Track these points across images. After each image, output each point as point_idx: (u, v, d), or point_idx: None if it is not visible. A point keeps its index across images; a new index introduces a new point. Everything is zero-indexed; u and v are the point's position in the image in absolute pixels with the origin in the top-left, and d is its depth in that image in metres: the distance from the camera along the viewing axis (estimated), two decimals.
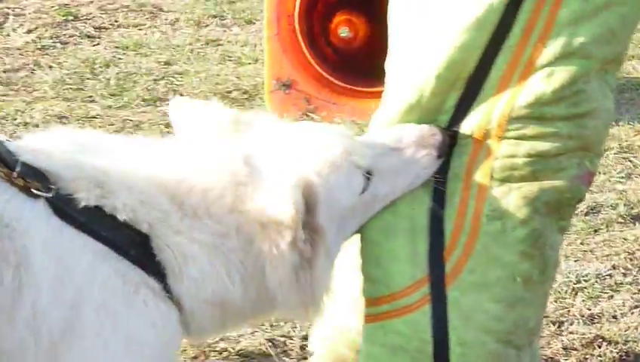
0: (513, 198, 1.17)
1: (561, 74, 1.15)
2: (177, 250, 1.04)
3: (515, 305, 1.19)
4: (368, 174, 1.12)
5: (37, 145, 1.06)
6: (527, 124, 1.16)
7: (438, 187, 1.17)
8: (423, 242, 1.18)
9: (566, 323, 1.97)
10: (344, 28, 2.39)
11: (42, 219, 1.00)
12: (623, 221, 2.45)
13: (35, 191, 0.99)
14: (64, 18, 3.76)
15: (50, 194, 0.99)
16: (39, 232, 0.99)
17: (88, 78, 3.21)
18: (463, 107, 1.17)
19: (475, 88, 1.16)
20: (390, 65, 1.25)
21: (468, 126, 1.17)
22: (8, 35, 3.64)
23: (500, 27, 1.13)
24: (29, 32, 3.60)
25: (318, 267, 1.07)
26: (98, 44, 3.60)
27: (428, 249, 1.18)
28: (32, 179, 0.99)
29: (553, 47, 1.14)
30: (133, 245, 1.02)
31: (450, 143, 1.14)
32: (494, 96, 1.16)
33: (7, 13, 3.80)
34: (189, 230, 1.04)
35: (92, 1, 3.93)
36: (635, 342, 1.92)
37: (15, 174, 0.99)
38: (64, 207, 1.00)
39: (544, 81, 1.15)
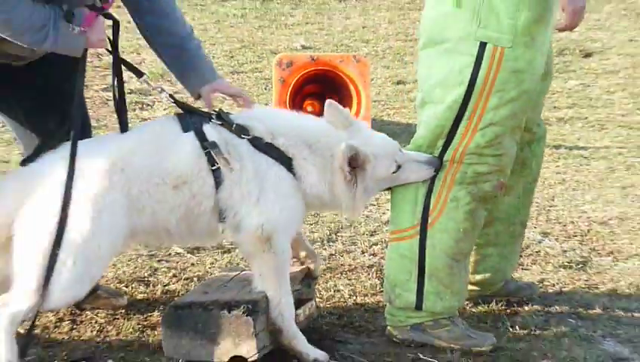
0: (463, 192, 2.34)
1: (489, 134, 2.30)
2: (304, 168, 2.15)
3: (459, 241, 2.37)
4: (398, 167, 2.25)
5: (244, 114, 2.23)
6: (474, 157, 2.32)
7: (433, 180, 2.36)
8: (420, 204, 2.34)
9: None
10: (310, 107, 4.40)
11: (246, 146, 2.09)
12: None
13: (242, 136, 2.09)
14: None
15: (249, 137, 2.09)
16: (245, 151, 2.09)
17: None
18: (445, 146, 2.33)
19: (450, 138, 2.32)
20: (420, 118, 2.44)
21: (447, 156, 2.34)
22: None
23: (461, 108, 2.28)
24: None
25: (359, 192, 2.18)
26: None
27: (422, 209, 2.33)
28: (241, 130, 2.09)
29: (485, 120, 2.29)
30: (285, 162, 2.13)
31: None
32: (459, 142, 2.32)
33: None
34: (312, 159, 2.16)
35: None
36: None
37: (233, 127, 2.09)
38: (256, 143, 2.10)
39: (481, 137, 2.29)
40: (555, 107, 4.97)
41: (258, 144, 2.10)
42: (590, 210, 3.58)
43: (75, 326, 2.44)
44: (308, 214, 2.79)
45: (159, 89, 2.19)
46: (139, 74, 2.19)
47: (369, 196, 2.31)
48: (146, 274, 2.77)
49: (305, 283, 2.45)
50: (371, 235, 3.14)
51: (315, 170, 2.18)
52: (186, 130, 2.07)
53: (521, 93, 2.29)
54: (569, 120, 4.84)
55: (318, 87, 4.11)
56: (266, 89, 4.49)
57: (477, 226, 2.42)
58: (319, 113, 3.23)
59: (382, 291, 2.54)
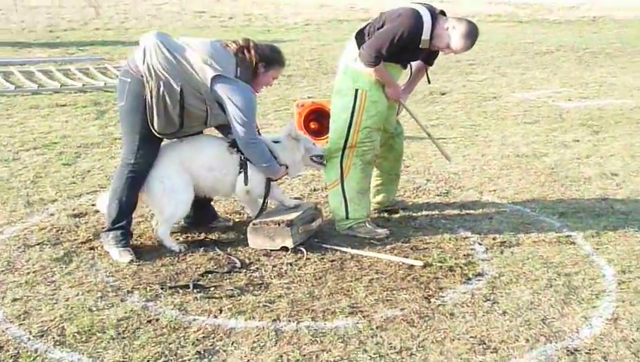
0: (358, 160, 3.99)
1: (365, 132, 3.95)
2: (281, 154, 3.89)
3: (360, 183, 4.06)
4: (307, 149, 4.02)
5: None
6: (360, 143, 3.95)
7: (342, 157, 4.15)
8: (338, 168, 4.08)
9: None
10: (312, 126, 6.15)
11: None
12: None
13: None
14: None
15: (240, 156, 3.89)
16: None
17: None
18: (346, 140, 3.95)
19: (347, 136, 3.99)
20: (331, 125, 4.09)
21: (348, 143, 3.97)
22: None
23: (349, 122, 3.97)
24: None
25: (298, 156, 3.95)
26: None
27: (339, 170, 4.08)
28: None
29: (362, 125, 3.95)
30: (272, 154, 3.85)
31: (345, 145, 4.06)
32: (352, 137, 3.95)
33: None
34: (283, 150, 3.90)
35: None
36: None
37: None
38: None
39: (362, 134, 3.96)
40: (428, 119, 7.38)
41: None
42: (448, 167, 5.51)
43: (206, 234, 4.05)
44: (314, 175, 4.94)
45: None
46: None
47: (300, 161, 3.97)
48: (238, 208, 4.48)
49: (317, 210, 4.12)
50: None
51: (284, 154, 3.87)
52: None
53: (377, 112, 3.94)
54: (436, 125, 7.11)
55: (317, 116, 6.06)
56: (291, 117, 6.68)
57: (368, 176, 4.07)
58: (317, 128, 5.95)
59: None
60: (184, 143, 3.84)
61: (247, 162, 3.74)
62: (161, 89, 3.52)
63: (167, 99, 3.54)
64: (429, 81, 4.32)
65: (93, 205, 4.52)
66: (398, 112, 4.32)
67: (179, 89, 3.52)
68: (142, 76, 3.55)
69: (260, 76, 3.76)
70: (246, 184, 3.78)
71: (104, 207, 3.91)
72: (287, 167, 3.93)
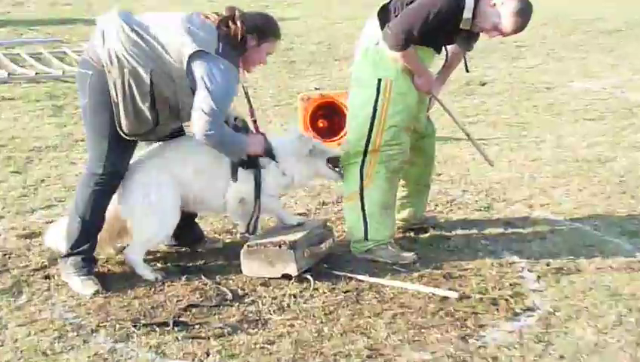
0: (382, 167, 4.10)
1: (392, 132, 4.07)
2: (283, 158, 4.08)
3: (384, 196, 4.17)
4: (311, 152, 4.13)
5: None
6: (386, 147, 4.06)
7: (362, 163, 4.20)
8: (357, 177, 4.20)
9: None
10: (321, 124, 6.49)
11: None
12: None
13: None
14: None
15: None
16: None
17: None
18: (367, 142, 4.08)
19: (369, 137, 4.06)
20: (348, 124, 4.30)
21: (370, 147, 4.08)
22: None
23: (372, 119, 4.06)
24: None
25: (307, 162, 4.14)
26: None
27: (359, 180, 4.17)
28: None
29: (387, 124, 4.07)
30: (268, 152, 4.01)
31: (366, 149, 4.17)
32: (375, 139, 4.06)
33: None
34: (285, 156, 4.05)
35: None
36: None
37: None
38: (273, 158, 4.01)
39: (387, 135, 4.07)
40: (466, 115, 7.36)
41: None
42: (490, 175, 5.62)
43: (189, 259, 4.14)
44: (323, 186, 5.05)
45: None
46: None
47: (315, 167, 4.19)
48: (230, 228, 4.58)
49: (327, 228, 4.23)
50: None
51: (294, 160, 4.07)
52: None
53: (406, 107, 4.03)
54: (475, 123, 7.23)
55: (325, 112, 6.36)
56: (294, 112, 6.96)
57: (394, 187, 4.18)
58: (327, 127, 6.27)
59: None
60: (171, 146, 3.95)
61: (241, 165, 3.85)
62: (127, 79, 3.57)
63: (135, 91, 3.59)
64: (467, 69, 4.36)
65: (49, 222, 4.57)
66: (429, 107, 4.39)
67: (148, 77, 3.56)
68: (103, 66, 3.59)
69: (250, 51, 3.79)
70: (235, 180, 3.88)
71: (57, 240, 3.94)
72: (265, 138, 3.98)
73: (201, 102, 3.57)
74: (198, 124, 3.60)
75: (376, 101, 4.02)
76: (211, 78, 3.55)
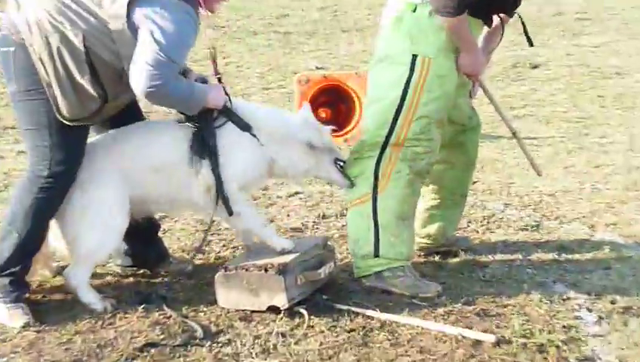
0: (405, 167, 4.03)
1: (422, 124, 4.01)
2: (270, 147, 3.97)
3: (402, 204, 4.11)
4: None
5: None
6: (412, 141, 4.01)
7: (380, 159, 4.12)
8: (371, 177, 4.09)
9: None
10: (323, 113, 6.48)
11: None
12: None
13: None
14: None
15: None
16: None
17: None
18: (389, 133, 4.01)
19: (393, 127, 3.99)
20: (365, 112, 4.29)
21: (392, 140, 4.02)
22: None
23: (399, 104, 3.97)
24: None
25: (312, 155, 4.09)
26: None
27: (373, 180, 4.07)
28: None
29: (418, 113, 3.99)
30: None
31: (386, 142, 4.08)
32: (400, 130, 3.98)
33: None
34: (266, 128, 3.95)
35: None
36: None
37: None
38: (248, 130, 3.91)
39: (416, 126, 4.00)
40: (511, 107, 7.51)
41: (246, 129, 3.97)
42: (540, 185, 5.61)
43: (148, 285, 4.05)
44: (323, 193, 5.00)
45: None
46: None
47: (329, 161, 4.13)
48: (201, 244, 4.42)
49: (327, 248, 4.13)
50: None
51: (281, 147, 4.01)
52: None
53: (443, 94, 3.99)
54: (522, 117, 7.28)
55: (329, 98, 6.37)
56: (289, 101, 7.02)
57: (415, 193, 4.15)
58: (330, 118, 6.15)
59: None
60: (119, 134, 3.92)
61: (217, 144, 3.79)
62: (55, 49, 3.55)
63: (69, 62, 3.57)
64: (530, 43, 4.45)
65: None
66: (472, 94, 4.41)
67: (81, 42, 3.54)
68: (23, 39, 3.57)
69: None
70: (198, 168, 3.83)
71: None
72: (225, 91, 3.88)
73: (143, 53, 3.48)
74: (137, 79, 3.49)
75: (408, 82, 3.97)
76: (157, 21, 3.47)
